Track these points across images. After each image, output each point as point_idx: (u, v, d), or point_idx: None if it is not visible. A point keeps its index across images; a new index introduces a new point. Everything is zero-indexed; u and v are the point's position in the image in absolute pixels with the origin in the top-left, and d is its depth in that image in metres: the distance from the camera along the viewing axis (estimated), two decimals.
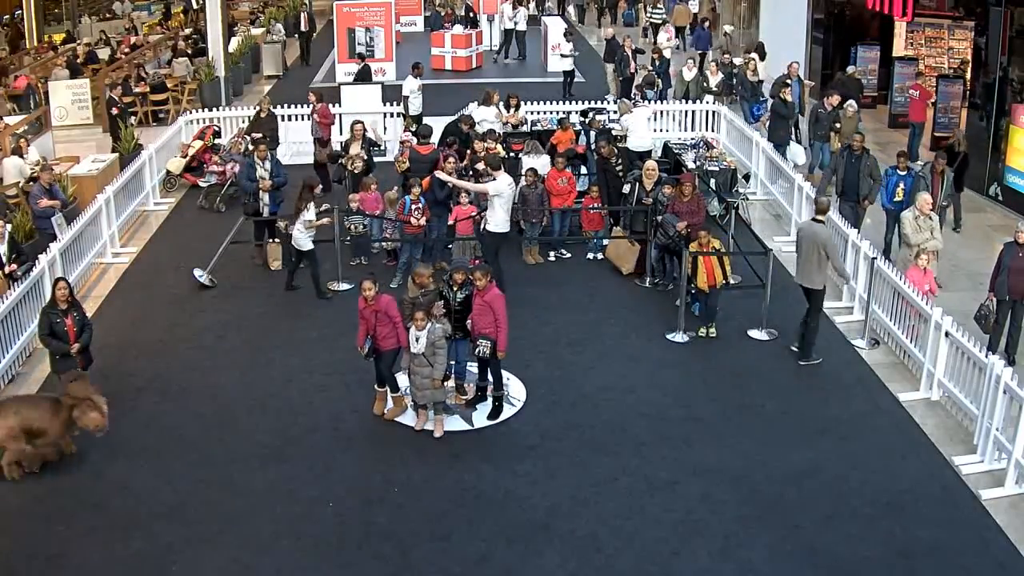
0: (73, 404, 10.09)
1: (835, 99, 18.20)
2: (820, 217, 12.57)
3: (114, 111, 21.16)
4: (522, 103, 19.85)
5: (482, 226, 14.30)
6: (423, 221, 14.56)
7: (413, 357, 10.70)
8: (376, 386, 11.42)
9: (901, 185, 15.02)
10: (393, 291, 14.39)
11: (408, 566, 8.95)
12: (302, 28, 32.26)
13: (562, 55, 26.37)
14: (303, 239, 14.13)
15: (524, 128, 19.22)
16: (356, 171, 16.02)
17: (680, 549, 9.12)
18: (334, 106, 21.48)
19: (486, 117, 18.58)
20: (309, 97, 19.72)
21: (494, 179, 14.00)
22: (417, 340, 10.59)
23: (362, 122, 17.11)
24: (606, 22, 37.94)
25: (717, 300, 13.13)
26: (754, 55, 27.10)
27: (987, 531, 9.39)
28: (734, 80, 23.14)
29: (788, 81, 19.95)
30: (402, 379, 11.46)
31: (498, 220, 13.98)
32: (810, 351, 12.43)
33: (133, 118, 22.72)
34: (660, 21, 33.18)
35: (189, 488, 10.02)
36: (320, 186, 15.17)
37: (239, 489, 10.00)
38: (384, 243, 15.27)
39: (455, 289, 11.36)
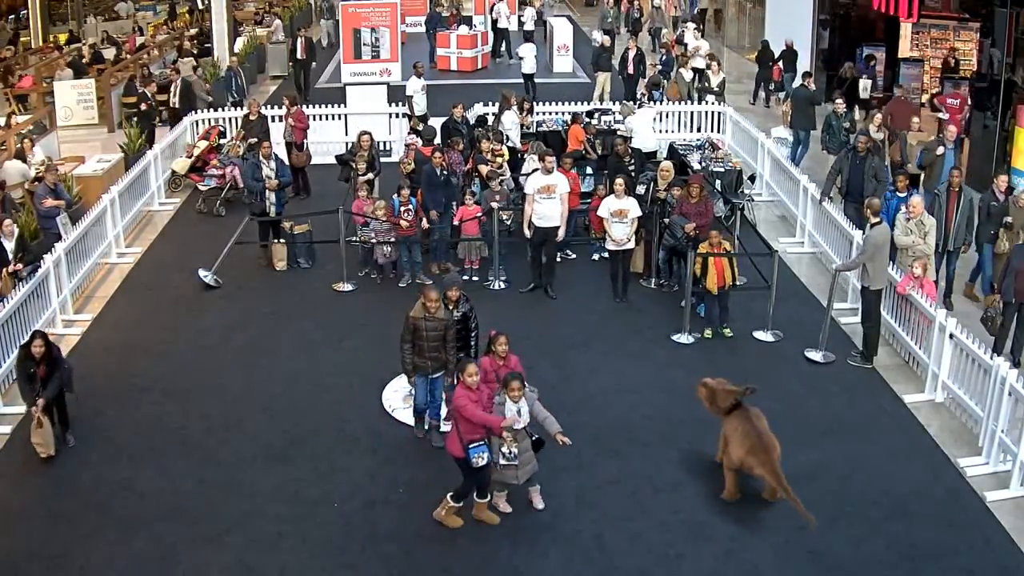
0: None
1: (1003, 182, 13.77)
2: (877, 219, 12.42)
3: (143, 107, 21.12)
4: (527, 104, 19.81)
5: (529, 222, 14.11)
6: (426, 224, 14.52)
7: (514, 434, 9.15)
8: (478, 497, 9.43)
9: (903, 208, 13.23)
10: (402, 290, 14.44)
11: (412, 567, 8.94)
12: (299, 56, 26.97)
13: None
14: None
15: (529, 129, 19.19)
16: (360, 172, 15.99)
17: (685, 551, 9.11)
18: (340, 106, 21.57)
19: (513, 120, 18.37)
20: (284, 100, 19.65)
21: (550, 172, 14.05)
22: (520, 413, 9.12)
23: (369, 133, 16.85)
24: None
25: (727, 299, 13.12)
26: (689, 23, 27.61)
27: (991, 533, 9.36)
28: (829, 129, 18.49)
29: (943, 147, 15.30)
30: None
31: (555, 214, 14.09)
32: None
33: (136, 118, 22.74)
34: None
35: (193, 488, 10.02)
36: None
37: (243, 490, 10.00)
38: (380, 257, 14.84)
39: (450, 308, 10.57)
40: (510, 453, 9.07)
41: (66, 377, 10.74)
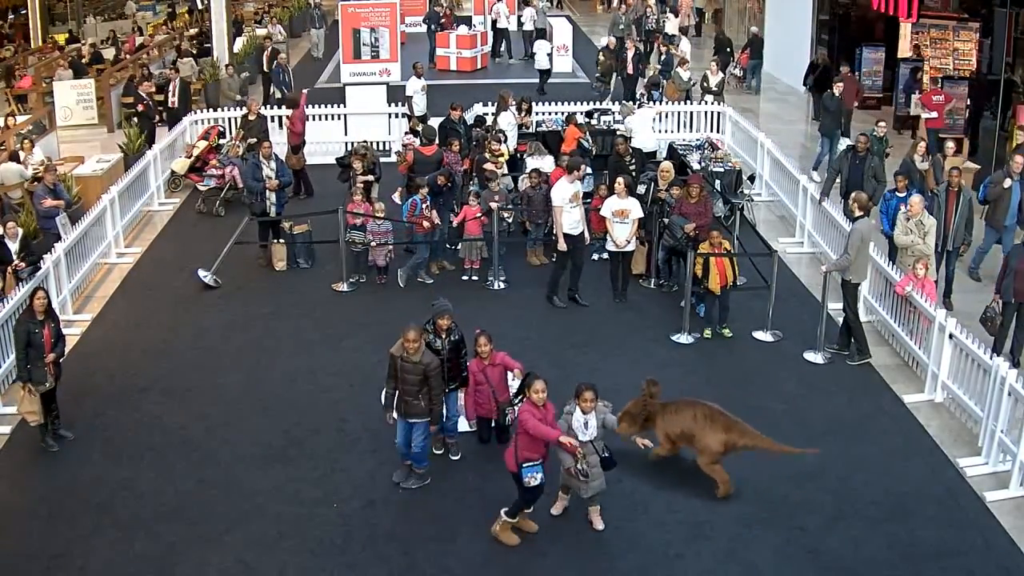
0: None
1: None
2: (862, 212, 12.44)
3: (139, 108, 21.09)
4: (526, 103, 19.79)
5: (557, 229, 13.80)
6: (437, 220, 14.55)
7: (580, 445, 8.92)
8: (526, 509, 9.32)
9: (903, 208, 13.24)
10: (402, 291, 14.45)
11: (412, 567, 8.94)
12: (265, 69, 25.46)
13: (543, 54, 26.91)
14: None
15: (529, 129, 19.17)
16: (357, 172, 15.97)
17: (684, 551, 9.12)
18: (339, 106, 21.56)
19: (510, 121, 18.43)
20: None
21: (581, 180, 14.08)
22: (587, 425, 8.96)
23: (367, 143, 16.73)
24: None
25: (729, 299, 13.12)
26: (669, 14, 27.68)
27: (991, 533, 9.37)
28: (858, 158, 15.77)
29: (1009, 179, 14.10)
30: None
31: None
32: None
33: (136, 118, 22.74)
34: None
35: (193, 488, 10.03)
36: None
37: (243, 490, 10.01)
38: (376, 260, 14.77)
39: (442, 336, 10.18)
40: (582, 469, 8.87)
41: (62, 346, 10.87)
